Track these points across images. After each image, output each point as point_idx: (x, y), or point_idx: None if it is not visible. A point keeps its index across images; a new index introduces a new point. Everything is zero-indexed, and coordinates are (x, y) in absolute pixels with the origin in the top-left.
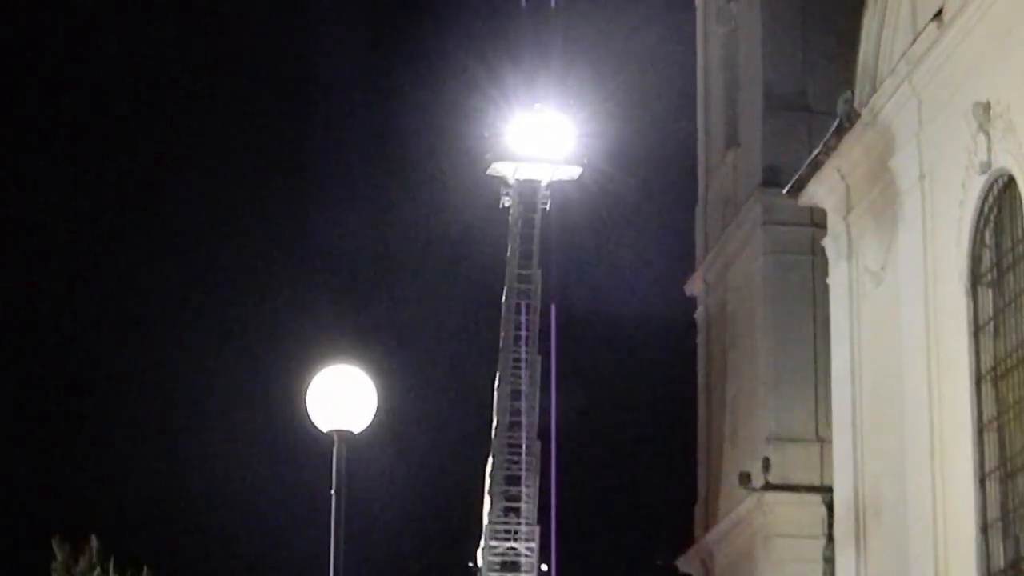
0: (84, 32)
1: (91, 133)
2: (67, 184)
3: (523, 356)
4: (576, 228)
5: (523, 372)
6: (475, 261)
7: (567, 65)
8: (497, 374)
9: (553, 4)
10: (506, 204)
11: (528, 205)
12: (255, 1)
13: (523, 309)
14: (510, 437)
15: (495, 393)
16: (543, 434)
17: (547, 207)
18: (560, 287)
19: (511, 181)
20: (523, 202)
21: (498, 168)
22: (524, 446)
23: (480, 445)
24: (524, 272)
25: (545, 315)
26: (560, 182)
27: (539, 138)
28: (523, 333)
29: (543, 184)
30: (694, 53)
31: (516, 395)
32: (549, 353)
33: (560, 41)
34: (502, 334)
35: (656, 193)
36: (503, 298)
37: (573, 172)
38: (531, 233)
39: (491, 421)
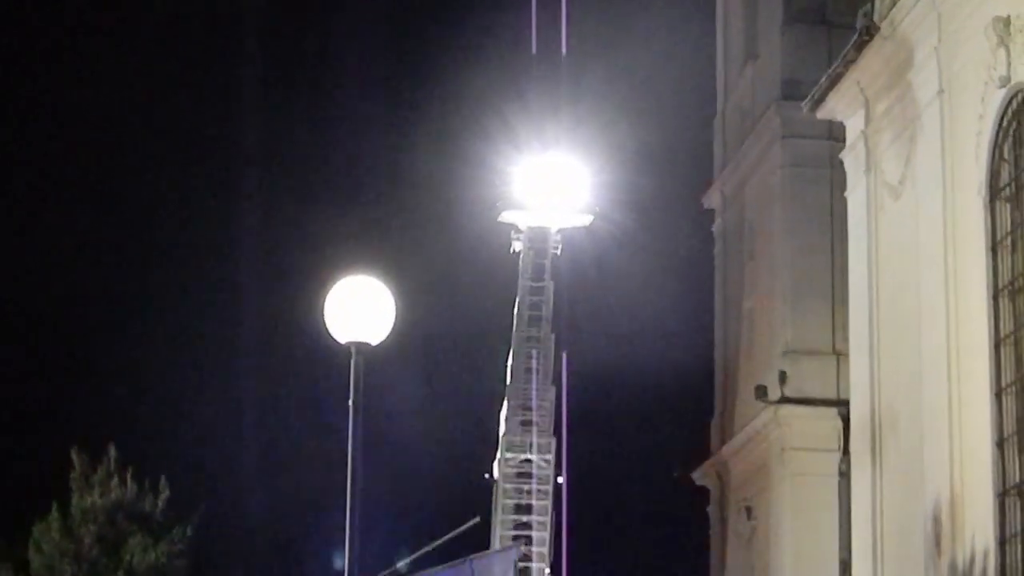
0: (95, 26)
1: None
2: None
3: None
4: (586, 272)
5: (535, 355)
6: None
7: (578, 113)
8: (510, 362)
9: (564, 52)
10: (517, 249)
11: (539, 251)
12: (265, 49)
13: (537, 304)
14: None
15: (508, 373)
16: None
17: (558, 252)
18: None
19: (522, 227)
20: (534, 247)
21: (508, 216)
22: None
23: (499, 357)
24: (536, 284)
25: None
26: (571, 228)
27: (550, 186)
28: (538, 324)
29: (553, 230)
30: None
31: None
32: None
33: (571, 89)
34: (514, 330)
35: (667, 238)
36: (515, 310)
37: (584, 220)
38: (542, 277)
39: (510, 339)
